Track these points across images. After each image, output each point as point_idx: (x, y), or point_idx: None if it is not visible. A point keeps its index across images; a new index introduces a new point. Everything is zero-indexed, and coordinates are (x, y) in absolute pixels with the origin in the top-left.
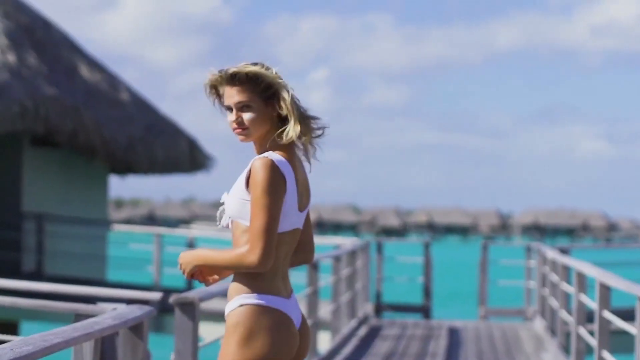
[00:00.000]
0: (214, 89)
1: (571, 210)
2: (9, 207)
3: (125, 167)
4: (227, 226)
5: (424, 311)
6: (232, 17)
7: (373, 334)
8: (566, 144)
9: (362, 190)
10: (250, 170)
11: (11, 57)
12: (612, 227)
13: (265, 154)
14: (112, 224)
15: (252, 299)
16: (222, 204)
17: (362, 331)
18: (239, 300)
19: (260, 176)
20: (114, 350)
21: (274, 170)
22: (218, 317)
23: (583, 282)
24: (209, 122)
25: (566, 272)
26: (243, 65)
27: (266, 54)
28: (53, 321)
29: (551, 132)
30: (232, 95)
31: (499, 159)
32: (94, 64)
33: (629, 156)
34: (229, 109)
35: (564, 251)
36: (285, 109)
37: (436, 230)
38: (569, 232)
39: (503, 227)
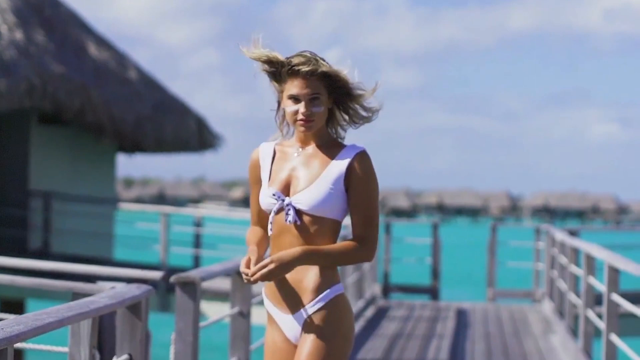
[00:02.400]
0: (267, 65)
1: (581, 193)
2: (16, 185)
3: (133, 146)
4: (295, 222)
5: (432, 292)
6: None
7: (380, 314)
8: (578, 127)
9: None
10: (352, 163)
11: (19, 35)
12: (622, 210)
13: (362, 146)
14: (119, 203)
15: (340, 289)
16: (275, 196)
17: (370, 312)
18: (332, 292)
19: (371, 169)
20: (113, 330)
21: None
22: (224, 296)
23: (592, 265)
24: (220, 102)
25: (575, 255)
26: (315, 59)
27: (279, 35)
28: (59, 299)
29: (563, 116)
30: (304, 86)
31: (510, 142)
32: (103, 42)
33: None
34: (294, 98)
35: (573, 233)
36: (361, 106)
37: (446, 211)
38: (579, 214)
39: (513, 209)
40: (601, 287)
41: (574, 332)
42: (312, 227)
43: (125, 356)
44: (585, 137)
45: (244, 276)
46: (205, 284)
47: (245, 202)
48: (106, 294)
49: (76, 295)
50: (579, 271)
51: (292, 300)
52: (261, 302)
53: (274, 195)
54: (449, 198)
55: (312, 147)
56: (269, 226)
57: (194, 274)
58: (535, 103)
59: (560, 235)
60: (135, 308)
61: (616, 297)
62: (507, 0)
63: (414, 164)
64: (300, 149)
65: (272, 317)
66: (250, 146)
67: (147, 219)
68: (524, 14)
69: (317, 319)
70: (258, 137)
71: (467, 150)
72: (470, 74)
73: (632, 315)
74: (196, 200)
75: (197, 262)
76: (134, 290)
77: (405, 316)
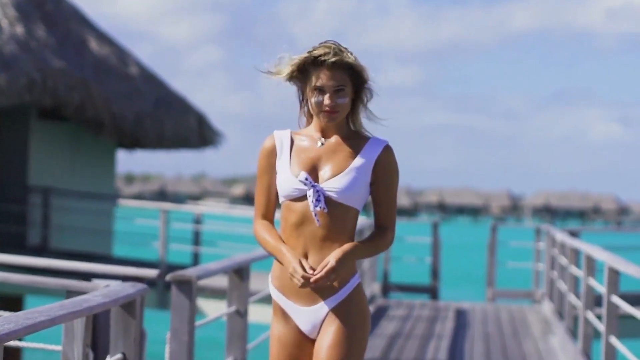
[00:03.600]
0: (299, 67)
1: (583, 193)
2: (15, 181)
3: (133, 142)
4: (323, 210)
5: (431, 292)
6: None
7: (380, 314)
8: (580, 126)
9: None
10: (380, 156)
11: (20, 29)
12: (623, 211)
13: (386, 139)
14: (119, 199)
15: (359, 278)
16: (308, 181)
17: None
18: (354, 281)
19: (396, 162)
20: (107, 328)
21: None
22: (223, 294)
23: (592, 266)
24: (221, 99)
25: (575, 255)
26: (340, 49)
27: (281, 32)
28: (59, 296)
29: (565, 115)
30: (329, 78)
31: (512, 141)
32: (104, 38)
33: None
34: (319, 89)
35: (573, 234)
36: (366, 100)
37: (447, 210)
38: (580, 214)
39: (514, 209)
40: (601, 288)
41: (573, 333)
42: (337, 215)
43: (119, 355)
44: (587, 137)
45: (298, 280)
46: (204, 282)
47: (246, 199)
48: (100, 293)
49: (70, 293)
50: (579, 272)
51: (314, 291)
52: (260, 301)
53: (306, 179)
54: (449, 197)
55: (335, 138)
56: (315, 217)
57: (190, 272)
58: (536, 102)
59: (560, 236)
60: (129, 307)
61: (616, 299)
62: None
63: (415, 162)
64: (324, 139)
65: (282, 310)
66: (251, 143)
67: (147, 216)
68: (525, 13)
69: (343, 308)
70: (259, 134)
71: (468, 149)
72: (471, 73)
73: (631, 317)
74: (197, 197)
75: (196, 259)
76: (129, 288)
77: (405, 316)
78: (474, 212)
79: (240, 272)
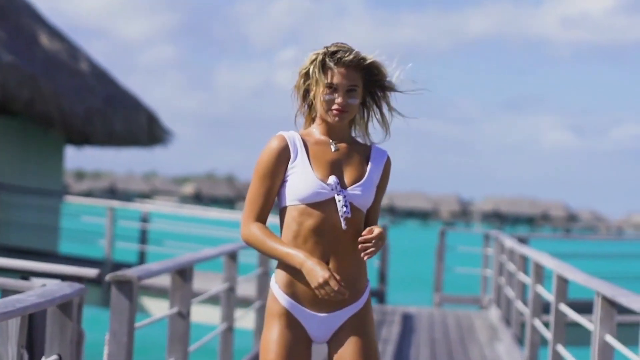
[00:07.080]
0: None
1: (532, 199)
2: None
3: (82, 138)
4: (348, 215)
5: (379, 296)
6: None
7: None
8: (532, 133)
9: None
10: (386, 165)
11: None
12: (572, 218)
13: (384, 149)
14: (67, 196)
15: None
16: (339, 187)
17: None
18: (368, 290)
19: None
20: (43, 329)
21: None
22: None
23: (540, 273)
24: (176, 98)
25: (523, 262)
26: (354, 50)
27: (237, 31)
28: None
29: (517, 122)
30: (343, 76)
31: (464, 146)
32: (55, 33)
33: (593, 148)
34: (331, 87)
35: (522, 240)
36: (386, 103)
37: (396, 214)
38: (529, 220)
39: (463, 214)
40: (549, 296)
41: (520, 340)
42: (355, 220)
43: (54, 356)
44: (538, 144)
45: (327, 293)
46: (150, 281)
47: (196, 198)
48: (35, 292)
49: (6, 292)
50: (527, 279)
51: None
52: (203, 302)
53: (338, 184)
54: (399, 200)
55: (345, 142)
56: (343, 222)
57: (130, 272)
58: (489, 108)
59: (509, 242)
60: (66, 307)
61: (564, 307)
62: (465, 6)
63: None
64: (336, 144)
65: (290, 317)
66: (202, 142)
67: (95, 213)
68: (481, 19)
69: (362, 316)
70: (212, 133)
71: (419, 153)
72: (427, 78)
73: (579, 325)
74: (147, 195)
75: (142, 258)
76: (66, 288)
77: None
78: (423, 216)
79: (183, 273)
